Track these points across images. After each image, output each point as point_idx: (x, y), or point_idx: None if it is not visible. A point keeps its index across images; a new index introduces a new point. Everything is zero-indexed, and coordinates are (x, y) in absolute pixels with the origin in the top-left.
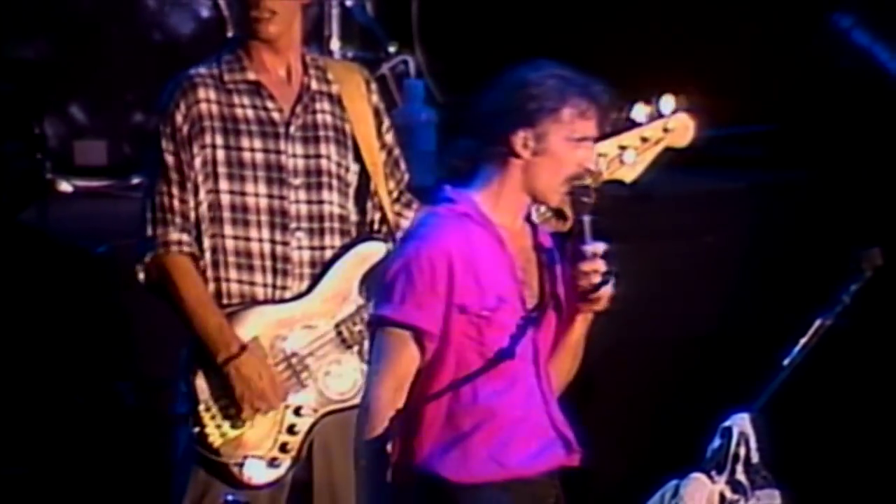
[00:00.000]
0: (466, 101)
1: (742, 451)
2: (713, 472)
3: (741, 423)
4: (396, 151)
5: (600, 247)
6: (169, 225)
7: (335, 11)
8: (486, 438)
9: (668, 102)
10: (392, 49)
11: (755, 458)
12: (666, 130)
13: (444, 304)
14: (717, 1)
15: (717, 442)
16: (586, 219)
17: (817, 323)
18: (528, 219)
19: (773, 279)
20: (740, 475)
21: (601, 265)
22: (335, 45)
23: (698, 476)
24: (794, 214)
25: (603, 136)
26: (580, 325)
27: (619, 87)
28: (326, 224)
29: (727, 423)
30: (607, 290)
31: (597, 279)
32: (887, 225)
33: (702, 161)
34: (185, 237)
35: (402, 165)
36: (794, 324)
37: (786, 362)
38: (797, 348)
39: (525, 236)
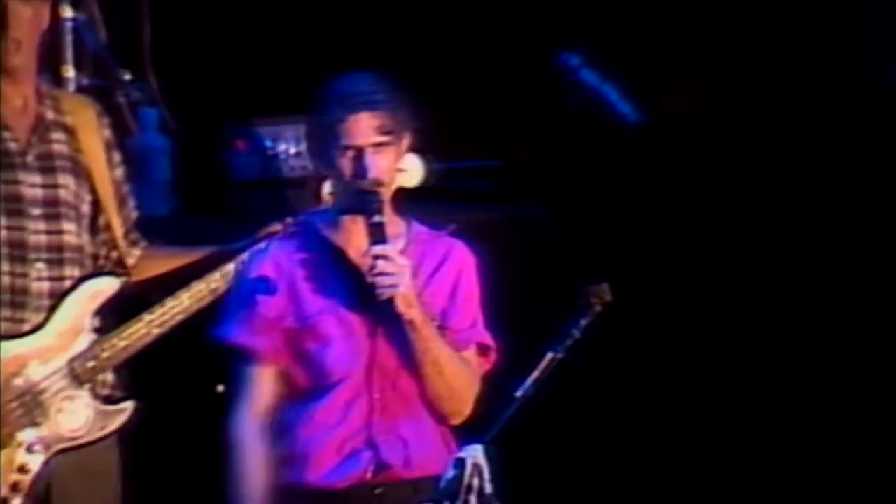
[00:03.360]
0: (201, 129)
1: (475, 482)
2: (446, 503)
3: (474, 454)
4: (125, 188)
5: (387, 248)
6: None
7: (68, 38)
8: (293, 448)
9: None
10: (125, 77)
11: (488, 488)
12: (398, 171)
13: (263, 318)
14: (441, 36)
15: (450, 472)
16: (375, 221)
17: (548, 356)
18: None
19: (504, 313)
20: None
21: (389, 267)
22: (69, 72)
23: None
24: (524, 248)
25: None
26: (412, 334)
27: None
28: (66, 255)
29: (461, 455)
30: (392, 291)
31: (384, 280)
32: (615, 260)
33: (433, 194)
34: None
35: (131, 203)
36: (525, 357)
37: (518, 394)
38: (529, 381)
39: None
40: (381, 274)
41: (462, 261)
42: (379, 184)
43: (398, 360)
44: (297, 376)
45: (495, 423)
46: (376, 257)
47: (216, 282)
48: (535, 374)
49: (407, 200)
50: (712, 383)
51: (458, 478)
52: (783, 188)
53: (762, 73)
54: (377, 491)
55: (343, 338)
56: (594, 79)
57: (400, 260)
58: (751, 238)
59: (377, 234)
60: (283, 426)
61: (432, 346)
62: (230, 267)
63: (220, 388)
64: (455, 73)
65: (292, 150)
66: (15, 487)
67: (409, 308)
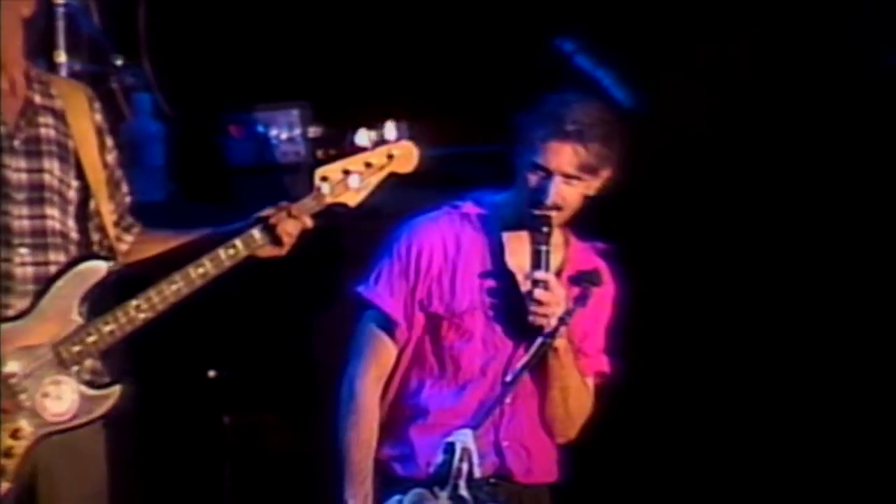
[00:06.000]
0: (195, 115)
1: (465, 467)
2: (436, 488)
3: (464, 439)
4: (118, 173)
5: (548, 277)
6: None
7: (61, 23)
8: (417, 436)
9: (392, 129)
10: (119, 62)
11: (477, 473)
12: (390, 157)
13: (410, 294)
14: (443, 23)
15: (440, 457)
16: (541, 249)
17: (538, 341)
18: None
19: None
20: (463, 490)
21: (546, 296)
22: (62, 57)
23: (421, 491)
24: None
25: (328, 160)
26: (552, 359)
27: (346, 109)
28: (49, 240)
29: (450, 439)
30: (549, 322)
31: (539, 309)
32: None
33: (430, 179)
34: None
35: (125, 188)
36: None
37: (508, 379)
38: (518, 366)
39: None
40: (537, 302)
41: (607, 285)
42: (556, 207)
43: (533, 372)
44: (433, 365)
45: (486, 408)
46: (535, 283)
47: (204, 266)
48: (526, 359)
49: (402, 185)
50: (720, 383)
51: (448, 463)
52: (782, 179)
53: (764, 64)
54: (492, 480)
55: (483, 339)
56: (589, 64)
57: (558, 290)
58: (748, 232)
59: (539, 262)
60: (415, 409)
61: (566, 373)
62: (220, 252)
63: (212, 373)
64: (453, 62)
65: (284, 136)
66: (0, 472)
67: (556, 336)
